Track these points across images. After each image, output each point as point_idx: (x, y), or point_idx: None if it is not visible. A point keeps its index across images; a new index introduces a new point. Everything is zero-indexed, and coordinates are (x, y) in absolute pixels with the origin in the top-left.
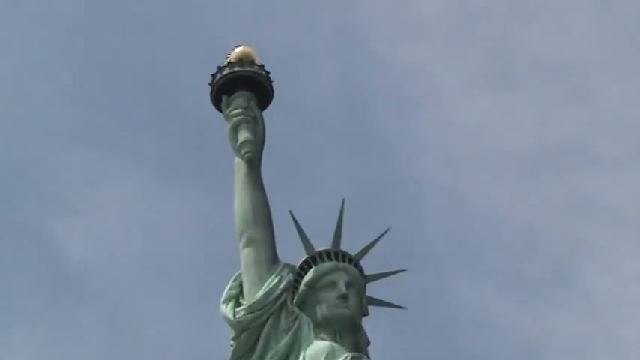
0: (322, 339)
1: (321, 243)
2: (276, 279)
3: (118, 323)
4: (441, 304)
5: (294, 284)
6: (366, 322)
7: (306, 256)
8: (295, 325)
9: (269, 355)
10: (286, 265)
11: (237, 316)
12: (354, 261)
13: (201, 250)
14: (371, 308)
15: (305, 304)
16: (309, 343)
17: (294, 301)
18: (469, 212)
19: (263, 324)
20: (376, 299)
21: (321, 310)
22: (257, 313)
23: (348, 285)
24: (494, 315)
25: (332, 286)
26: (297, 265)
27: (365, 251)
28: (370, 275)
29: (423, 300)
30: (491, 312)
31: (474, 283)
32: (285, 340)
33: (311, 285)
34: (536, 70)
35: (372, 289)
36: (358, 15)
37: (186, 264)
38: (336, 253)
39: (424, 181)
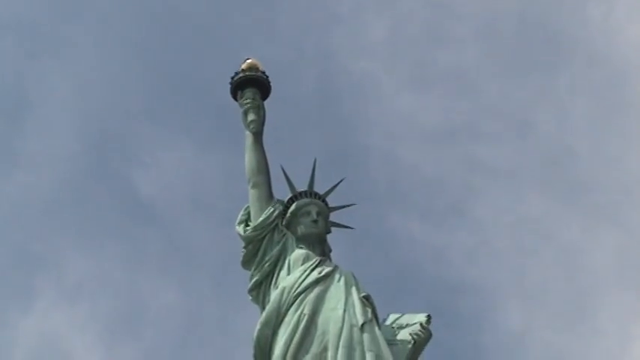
0: (301, 248)
1: (301, 187)
2: (271, 209)
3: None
4: (380, 227)
5: (283, 212)
6: (330, 238)
7: (291, 195)
8: (283, 240)
9: (267, 258)
10: (278, 200)
11: (246, 233)
12: (322, 198)
13: (230, 191)
14: (333, 229)
15: (290, 225)
16: (293, 251)
17: (283, 223)
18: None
19: (263, 238)
20: (335, 222)
21: (300, 230)
22: (259, 231)
23: (318, 213)
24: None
25: (307, 214)
26: (285, 200)
27: (329, 192)
28: (332, 207)
29: (367, 224)
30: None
31: (403, 214)
32: (277, 249)
33: (294, 213)
34: None
35: (333, 216)
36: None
37: (223, 200)
38: (310, 193)
39: (368, 148)
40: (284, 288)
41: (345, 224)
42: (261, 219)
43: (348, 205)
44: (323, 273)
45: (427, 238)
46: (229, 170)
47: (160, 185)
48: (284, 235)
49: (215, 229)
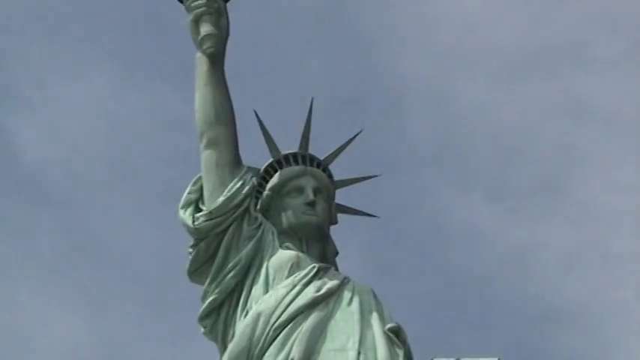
0: (287, 248)
1: (288, 146)
2: (239, 183)
3: (78, 228)
4: (422, 212)
5: (258, 189)
6: (336, 232)
7: (271, 160)
8: (258, 234)
9: (229, 265)
10: (250, 168)
11: (196, 223)
12: (322, 165)
13: (169, 149)
14: (342, 217)
15: (269, 210)
16: (273, 253)
17: (258, 207)
18: (454, 113)
19: (224, 232)
20: (346, 207)
21: (287, 218)
22: (218, 219)
23: (316, 191)
24: (481, 223)
25: (298, 192)
26: (262, 168)
27: (335, 154)
28: (340, 181)
29: (400, 208)
30: (477, 220)
31: (460, 189)
32: (247, 250)
33: (276, 190)
34: None
35: (343, 196)
36: None
37: (152, 165)
38: (303, 157)
39: (405, 78)
40: (259, 315)
41: (364, 210)
42: (221, 200)
43: (370, 177)
44: (324, 290)
45: (499, 234)
46: (166, 118)
47: (50, 145)
48: (259, 226)
49: (140, 218)
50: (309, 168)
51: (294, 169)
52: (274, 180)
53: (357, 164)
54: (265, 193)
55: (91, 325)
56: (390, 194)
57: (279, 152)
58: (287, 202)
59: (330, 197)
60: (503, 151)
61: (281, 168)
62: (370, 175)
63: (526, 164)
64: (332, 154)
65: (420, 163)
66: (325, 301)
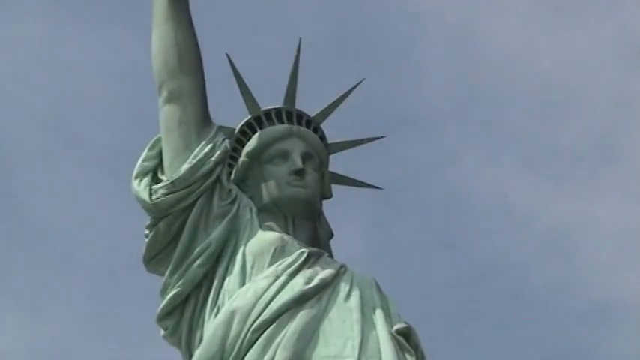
0: (269, 229)
1: (270, 101)
2: (208, 147)
3: (8, 206)
4: (437, 183)
5: (231, 155)
6: (331, 208)
7: (248, 117)
8: (232, 211)
9: (196, 251)
10: (222, 128)
11: (154, 197)
12: (313, 125)
13: (121, 105)
14: (338, 190)
15: (247, 182)
16: (251, 235)
17: (232, 177)
18: (480, 58)
19: (189, 208)
20: (344, 177)
21: (268, 191)
22: (181, 192)
23: (305, 157)
24: (514, 196)
25: (283, 158)
26: (237, 128)
27: (329, 111)
28: (336, 144)
29: (410, 178)
30: (509, 192)
31: (486, 154)
32: (218, 231)
33: (255, 156)
34: None
35: (340, 164)
36: None
37: (100, 125)
38: (289, 114)
39: (419, 17)
40: (233, 312)
41: (365, 181)
42: (186, 168)
43: (372, 140)
44: (315, 282)
45: (536, 210)
46: (117, 66)
47: None
48: (233, 201)
49: (86, 193)
50: (296, 128)
51: (278, 129)
52: (252, 143)
53: (357, 124)
54: (241, 159)
55: (24, 329)
56: (397, 161)
57: (259, 108)
58: (268, 171)
59: (323, 164)
60: (541, 107)
61: (261, 128)
62: (373, 136)
63: (571, 123)
64: (325, 110)
65: (435, 123)
66: (317, 295)
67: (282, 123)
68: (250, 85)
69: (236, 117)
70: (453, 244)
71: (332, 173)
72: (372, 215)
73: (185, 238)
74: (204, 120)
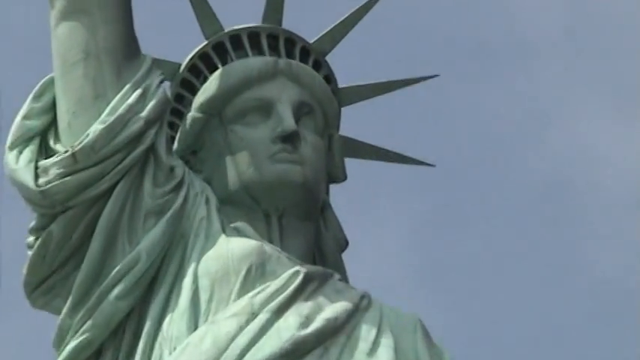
0: (239, 234)
1: (241, 17)
2: (135, 94)
3: None
4: (528, 154)
5: (175, 108)
6: (347, 195)
7: (203, 44)
8: (177, 203)
9: (115, 271)
10: (159, 63)
11: (42, 180)
12: (313, 56)
13: None
14: (362, 166)
15: (201, 154)
16: (208, 244)
17: (177, 147)
18: None
19: (102, 199)
20: (370, 146)
21: (238, 169)
22: (89, 172)
23: (300, 111)
24: (600, 140)
25: (262, 114)
26: (185, 63)
27: (340, 32)
28: (353, 89)
29: (482, 147)
30: (593, 136)
31: (565, 82)
32: (152, 237)
33: (215, 110)
34: None
35: (358, 124)
36: None
37: None
38: (272, 38)
39: None
40: None
41: (404, 152)
42: (95, 130)
43: (416, 81)
44: (317, 324)
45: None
46: None
47: None
48: (177, 186)
49: None
50: (284, 61)
51: (253, 63)
52: (210, 88)
53: (384, 56)
54: (191, 115)
55: None
56: (457, 121)
57: (221, 27)
58: (237, 136)
59: (330, 125)
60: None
61: (224, 62)
62: (416, 76)
63: None
64: (333, 32)
65: (523, 55)
66: (322, 346)
67: (262, 54)
68: None
69: (184, 44)
70: (556, 263)
71: (346, 139)
72: (416, 210)
73: (95, 251)
74: (127, 49)
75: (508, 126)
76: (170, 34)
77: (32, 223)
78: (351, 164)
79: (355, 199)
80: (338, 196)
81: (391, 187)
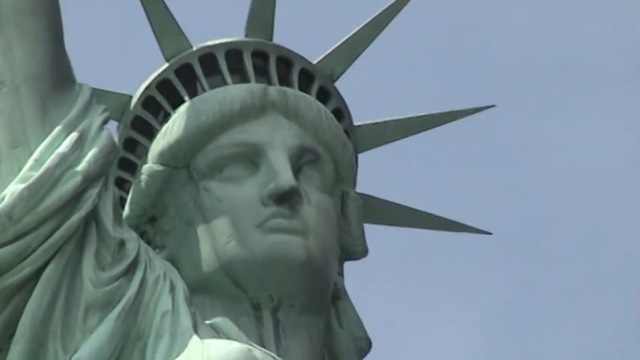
0: (217, 333)
1: (217, 29)
2: (68, 140)
3: None
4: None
5: (126, 157)
6: (367, 272)
7: (164, 66)
8: (129, 293)
9: None
10: (103, 95)
11: None
12: (317, 82)
13: None
14: (392, 234)
15: (162, 221)
16: (175, 348)
17: (128, 211)
18: None
19: (24, 287)
20: (394, 205)
21: (214, 243)
22: (7, 249)
23: (300, 157)
24: None
25: (248, 164)
26: (138, 94)
27: (353, 50)
28: (373, 126)
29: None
30: None
31: None
32: (96, 341)
33: (181, 159)
34: None
35: (383, 171)
36: None
37: None
38: (259, 57)
39: None
40: None
41: (450, 216)
42: (14, 191)
43: (463, 115)
44: None
45: None
46: None
47: None
48: (130, 267)
49: None
50: (276, 89)
51: (234, 92)
52: (174, 129)
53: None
54: (149, 167)
55: None
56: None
57: (188, 44)
58: (214, 195)
59: (344, 179)
60: None
61: (193, 93)
62: (470, 107)
63: None
64: (345, 47)
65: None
66: None
67: (245, 80)
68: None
69: (140, 74)
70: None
71: (366, 198)
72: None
73: None
74: (56, 76)
75: (597, 175)
76: (118, 54)
77: None
78: (374, 232)
79: (381, 281)
80: (355, 277)
81: (434, 264)
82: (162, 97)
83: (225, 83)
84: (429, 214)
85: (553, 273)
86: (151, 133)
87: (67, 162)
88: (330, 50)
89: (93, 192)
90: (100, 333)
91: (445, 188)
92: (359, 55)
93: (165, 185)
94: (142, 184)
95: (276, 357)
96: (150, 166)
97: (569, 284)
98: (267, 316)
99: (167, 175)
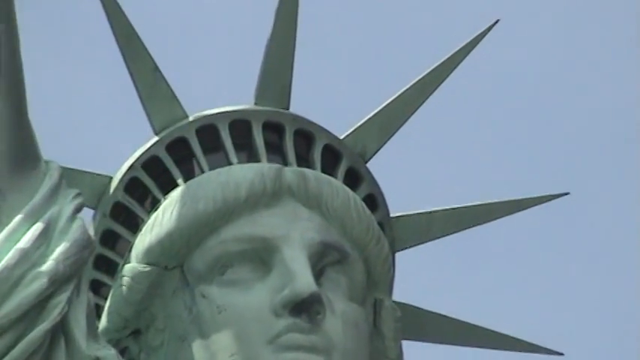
0: None
1: (220, 96)
2: (32, 232)
3: None
4: None
5: (103, 255)
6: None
7: (153, 141)
8: None
9: None
10: (70, 175)
11: None
12: (345, 162)
13: None
14: (428, 350)
15: (151, 335)
16: None
17: (106, 324)
18: None
19: None
20: (440, 317)
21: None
22: None
23: (322, 256)
24: None
25: (257, 264)
26: (120, 175)
27: (390, 123)
28: (415, 217)
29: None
30: None
31: None
32: None
33: (172, 258)
34: None
35: (425, 273)
36: None
37: None
38: (272, 130)
39: None
40: None
41: (513, 333)
42: None
43: (541, 202)
44: None
45: None
46: None
47: None
48: None
49: None
50: (293, 170)
51: (240, 174)
52: (165, 220)
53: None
54: (133, 267)
55: None
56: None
57: (184, 113)
58: (214, 304)
59: (377, 284)
60: None
61: (188, 175)
62: (542, 195)
63: None
64: (379, 118)
65: None
66: None
67: (254, 159)
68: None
69: (124, 150)
70: None
71: (407, 308)
72: None
73: None
74: (16, 154)
75: None
76: (95, 124)
77: None
78: (416, 350)
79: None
80: None
81: None
82: (150, 179)
83: (229, 163)
84: (486, 330)
85: None
86: (135, 225)
87: (29, 260)
88: (361, 122)
89: (62, 298)
90: None
91: (506, 297)
92: (397, 129)
93: (152, 290)
94: (124, 288)
95: None
96: (134, 265)
97: None
98: None
99: (155, 277)
